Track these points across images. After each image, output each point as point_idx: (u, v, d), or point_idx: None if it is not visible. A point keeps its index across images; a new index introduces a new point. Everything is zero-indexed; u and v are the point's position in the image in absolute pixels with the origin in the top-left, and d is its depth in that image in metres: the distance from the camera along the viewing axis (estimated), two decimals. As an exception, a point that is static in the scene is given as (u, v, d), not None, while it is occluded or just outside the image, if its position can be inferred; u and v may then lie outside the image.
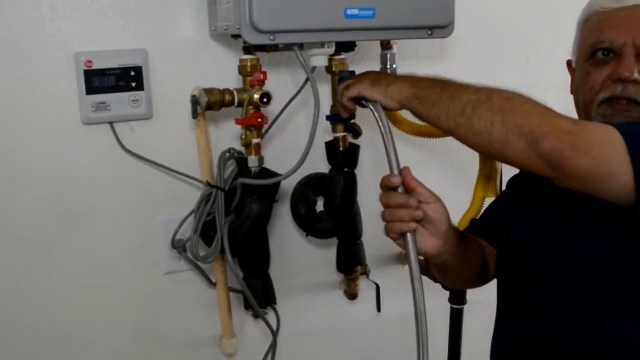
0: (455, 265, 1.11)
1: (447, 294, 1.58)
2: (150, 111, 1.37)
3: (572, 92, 1.14)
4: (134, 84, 1.34)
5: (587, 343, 0.99)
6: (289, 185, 1.47)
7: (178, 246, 1.43)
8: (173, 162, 1.40)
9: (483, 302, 1.34)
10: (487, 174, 1.54)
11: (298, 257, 1.59)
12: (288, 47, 1.22)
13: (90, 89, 1.31)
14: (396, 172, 1.01)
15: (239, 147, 1.39)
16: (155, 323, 1.49)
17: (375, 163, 1.57)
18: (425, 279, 1.17)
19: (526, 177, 1.25)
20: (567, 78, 1.17)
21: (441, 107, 0.97)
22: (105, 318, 1.44)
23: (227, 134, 1.43)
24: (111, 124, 1.35)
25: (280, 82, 1.44)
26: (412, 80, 1.03)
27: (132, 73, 1.34)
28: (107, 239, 1.41)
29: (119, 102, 1.34)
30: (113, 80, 1.33)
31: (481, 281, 1.23)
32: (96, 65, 1.31)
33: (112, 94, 1.33)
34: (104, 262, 1.41)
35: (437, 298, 1.48)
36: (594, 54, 1.07)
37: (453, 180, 1.67)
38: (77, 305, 1.41)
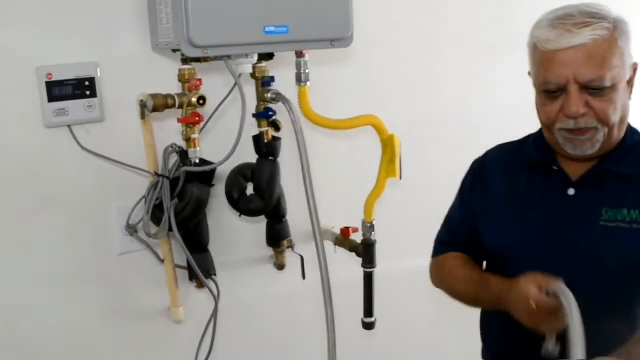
0: None
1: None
2: (103, 115, 1.62)
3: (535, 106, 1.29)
4: (88, 92, 1.59)
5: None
6: (224, 172, 1.74)
7: (130, 229, 1.68)
8: (123, 158, 1.65)
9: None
10: (389, 159, 1.86)
11: (233, 234, 1.87)
12: (218, 58, 1.50)
13: (51, 98, 1.55)
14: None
15: (179, 142, 1.65)
16: (112, 297, 1.73)
17: (293, 152, 1.85)
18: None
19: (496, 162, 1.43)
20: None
21: None
22: (67, 295, 1.67)
23: (169, 131, 1.69)
24: (69, 126, 1.59)
25: (212, 86, 1.70)
26: None
27: (87, 83, 1.58)
28: (68, 226, 1.64)
29: (76, 108, 1.58)
30: (70, 89, 1.57)
31: None
32: (55, 77, 1.55)
33: (70, 101, 1.57)
34: (66, 246, 1.64)
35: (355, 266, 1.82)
36: (545, 90, 1.22)
37: (358, 164, 1.98)
38: (42, 285, 1.63)
